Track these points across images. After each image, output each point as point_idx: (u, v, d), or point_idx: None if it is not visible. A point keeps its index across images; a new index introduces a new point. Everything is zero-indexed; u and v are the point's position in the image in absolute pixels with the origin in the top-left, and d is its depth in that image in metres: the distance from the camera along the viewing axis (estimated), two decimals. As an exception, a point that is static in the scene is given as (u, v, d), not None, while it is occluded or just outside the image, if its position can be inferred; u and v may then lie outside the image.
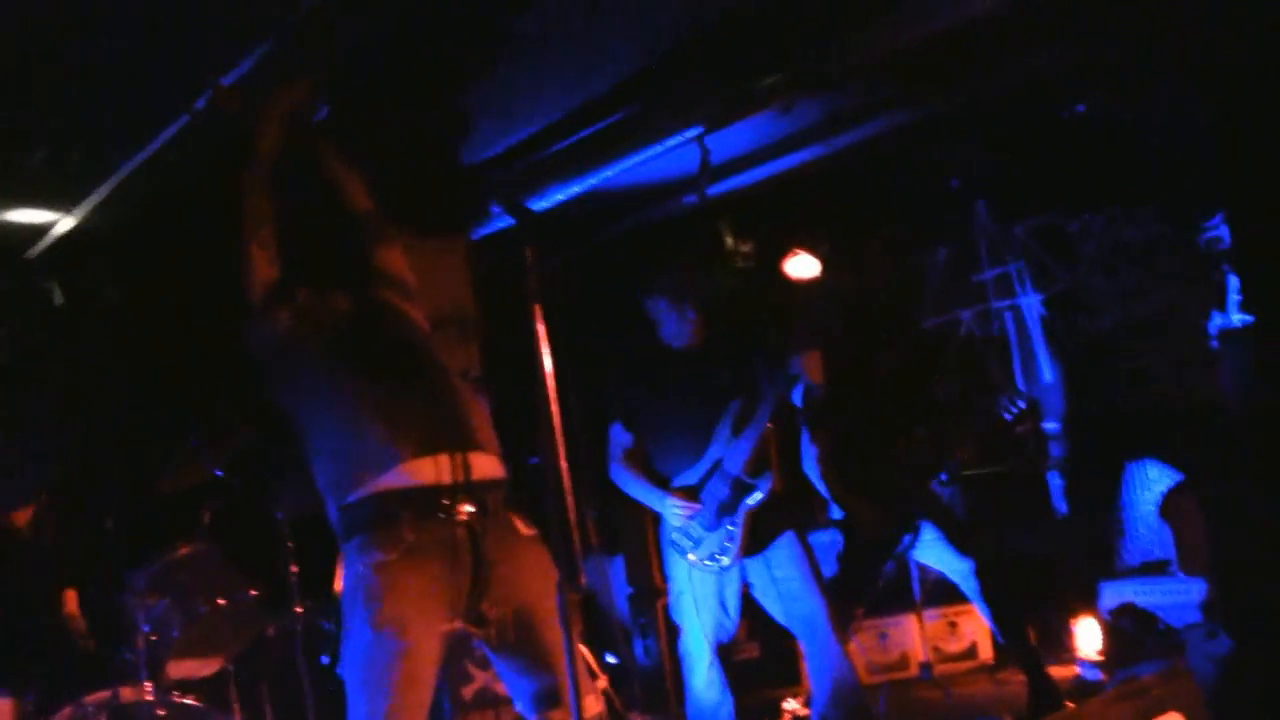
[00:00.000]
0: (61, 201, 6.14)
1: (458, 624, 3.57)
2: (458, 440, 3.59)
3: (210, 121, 5.02)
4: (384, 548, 3.44)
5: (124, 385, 6.92)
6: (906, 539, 6.25)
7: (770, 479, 5.35)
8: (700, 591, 5.43)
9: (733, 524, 5.32)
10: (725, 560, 5.34)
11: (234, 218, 3.79)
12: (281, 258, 3.77)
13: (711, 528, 5.35)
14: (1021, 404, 5.73)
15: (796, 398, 5.45)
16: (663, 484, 5.46)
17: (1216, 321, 7.00)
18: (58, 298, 6.99)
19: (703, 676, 5.47)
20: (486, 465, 3.65)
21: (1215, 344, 6.66)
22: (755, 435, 5.32)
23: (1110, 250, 7.31)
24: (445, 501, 3.51)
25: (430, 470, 3.52)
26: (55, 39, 4.48)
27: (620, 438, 5.57)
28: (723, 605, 5.43)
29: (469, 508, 3.54)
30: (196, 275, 6.49)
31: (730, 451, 5.34)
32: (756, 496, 5.31)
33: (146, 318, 7.00)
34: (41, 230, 6.50)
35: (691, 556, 5.41)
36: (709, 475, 5.38)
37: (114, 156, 5.67)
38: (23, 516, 5.66)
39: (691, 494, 5.39)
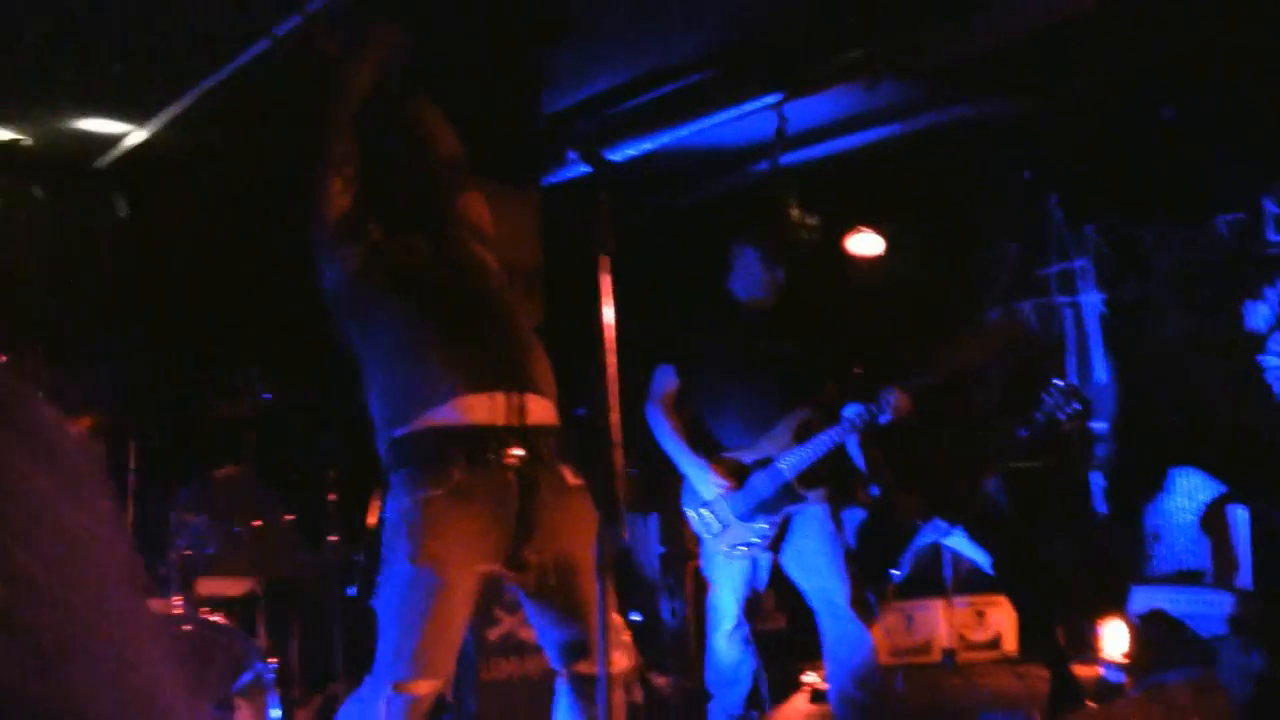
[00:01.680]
0: (135, 113, 6.09)
1: (496, 567, 3.52)
2: (516, 383, 3.52)
3: (294, 49, 4.95)
4: (432, 484, 3.38)
5: (182, 303, 6.89)
6: (942, 526, 6.16)
7: (824, 493, 5.22)
8: (724, 575, 5.35)
9: (768, 523, 5.21)
10: (751, 551, 5.24)
11: (313, 147, 3.73)
12: (359, 194, 3.71)
13: (745, 519, 5.23)
14: (1078, 405, 5.60)
15: (884, 418, 5.25)
16: (702, 448, 5.34)
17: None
18: (122, 209, 6.96)
19: (725, 634, 5.39)
20: (542, 410, 3.58)
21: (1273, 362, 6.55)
22: (822, 451, 5.18)
23: (1183, 265, 7.21)
24: (497, 444, 3.45)
25: (485, 408, 3.45)
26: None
27: (666, 379, 5.43)
28: (749, 585, 5.35)
29: (520, 452, 3.48)
30: (266, 201, 6.46)
31: (790, 455, 5.19)
32: (803, 507, 5.21)
33: (212, 239, 6.97)
34: (112, 141, 6.46)
35: (712, 539, 5.31)
36: (759, 465, 5.25)
37: (191, 73, 5.61)
38: (79, 426, 5.63)
39: (733, 471, 5.27)
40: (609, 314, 3.26)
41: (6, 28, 4.99)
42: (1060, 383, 5.62)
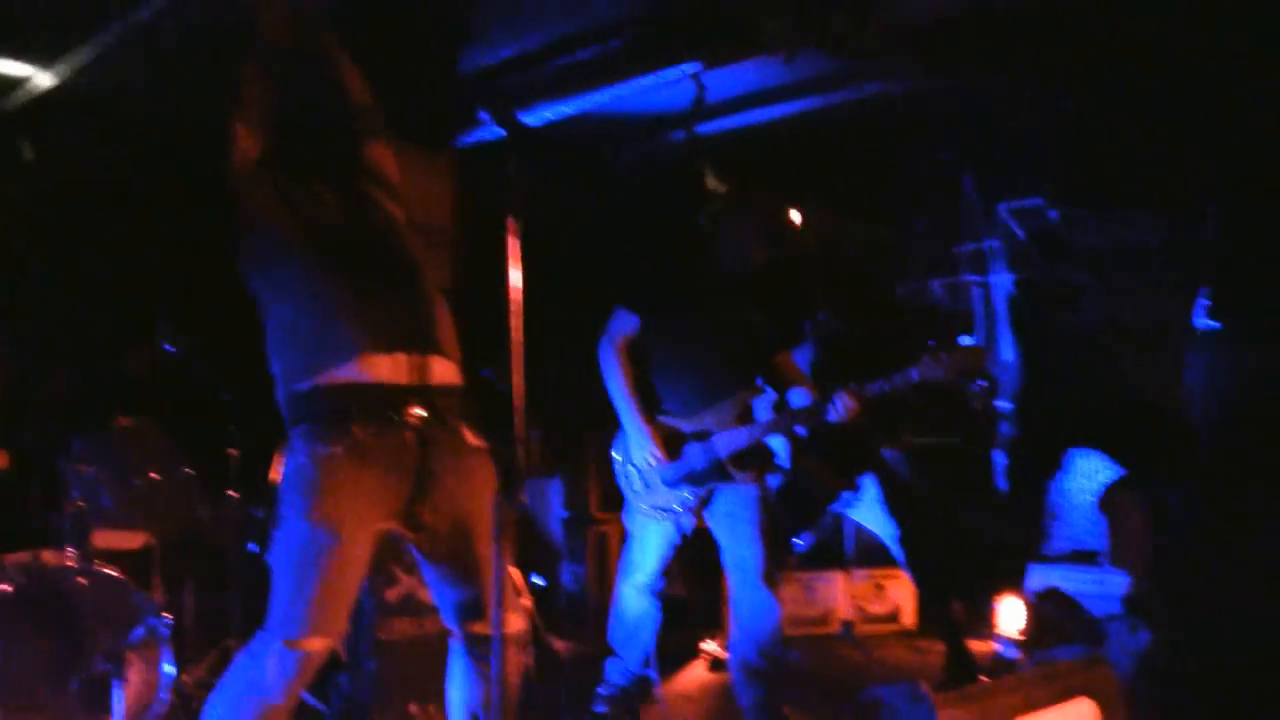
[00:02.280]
0: (40, 56, 5.95)
1: (393, 525, 3.51)
2: (420, 342, 3.50)
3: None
4: (330, 441, 3.35)
5: (88, 252, 6.76)
6: (846, 495, 6.21)
7: (752, 476, 5.24)
8: (644, 534, 5.36)
9: (693, 494, 5.22)
10: (669, 517, 5.25)
11: (220, 90, 3.66)
12: (267, 140, 3.64)
13: (671, 485, 5.23)
14: (984, 382, 5.67)
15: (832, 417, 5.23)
16: (645, 406, 5.33)
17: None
18: (27, 153, 6.81)
19: (636, 585, 5.39)
20: (445, 371, 3.56)
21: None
22: (756, 437, 5.19)
23: (1102, 249, 7.28)
24: (399, 403, 3.42)
25: (387, 367, 3.43)
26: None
27: (627, 323, 5.36)
28: (671, 545, 5.36)
29: (420, 412, 3.45)
30: (175, 149, 6.34)
31: (726, 435, 5.20)
32: (729, 485, 5.22)
33: (119, 187, 6.83)
34: (16, 83, 6.30)
35: (633, 496, 5.32)
36: (696, 437, 5.25)
37: (100, 15, 5.48)
38: None
39: (670, 440, 5.27)
40: (516, 277, 3.24)
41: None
42: (968, 340, 5.66)
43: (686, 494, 5.21)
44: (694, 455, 5.21)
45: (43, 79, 6.17)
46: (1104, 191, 7.17)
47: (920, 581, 6.08)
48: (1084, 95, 6.33)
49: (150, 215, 6.71)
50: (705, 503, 5.23)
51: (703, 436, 5.21)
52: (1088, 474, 7.13)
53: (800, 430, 5.31)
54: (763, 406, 5.31)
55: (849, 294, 6.77)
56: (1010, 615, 6.44)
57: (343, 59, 3.87)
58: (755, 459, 5.22)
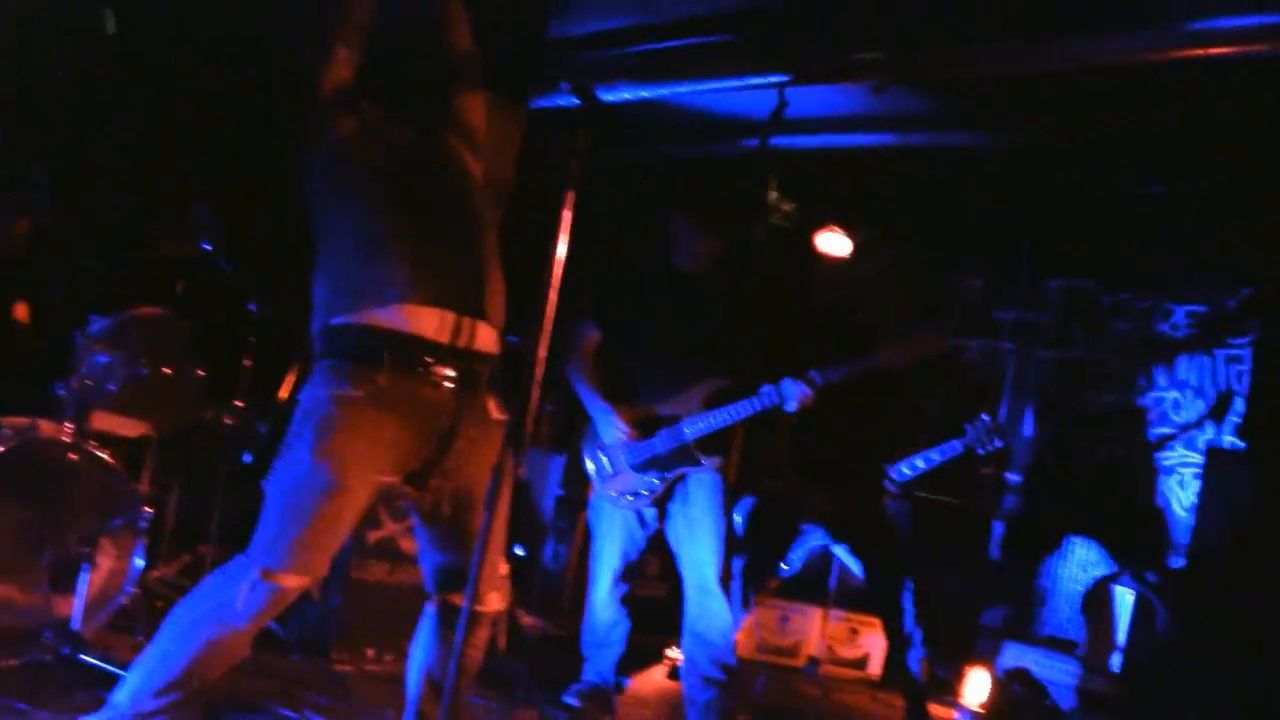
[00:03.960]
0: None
1: (397, 480, 3.48)
2: (470, 304, 3.46)
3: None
4: (354, 382, 3.31)
5: (149, 133, 6.76)
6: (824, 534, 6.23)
7: (718, 461, 5.27)
8: (609, 520, 5.38)
9: (659, 478, 5.25)
10: (635, 502, 5.27)
11: (325, 5, 3.63)
12: (361, 66, 3.61)
13: (637, 469, 5.27)
14: (999, 443, 5.67)
15: (789, 406, 5.29)
16: (615, 396, 5.35)
17: (1208, 435, 6.95)
18: (110, 25, 6.81)
19: (603, 593, 5.44)
20: (486, 338, 3.53)
21: (1203, 458, 6.60)
22: (726, 422, 5.22)
23: (1137, 337, 7.25)
24: (429, 359, 3.39)
25: (432, 322, 3.39)
26: None
27: (588, 334, 5.44)
28: (632, 539, 5.38)
29: (451, 373, 3.42)
30: (264, 47, 6.34)
31: (694, 419, 5.22)
32: (696, 470, 5.23)
33: (197, 72, 6.83)
34: (112, -43, 6.31)
35: (600, 483, 5.35)
36: (665, 422, 5.27)
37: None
38: (21, 225, 5.50)
39: (636, 421, 5.29)
40: (562, 250, 3.23)
41: None
42: (987, 418, 5.68)
43: (653, 478, 5.25)
44: (661, 439, 5.26)
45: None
46: (1152, 282, 7.13)
47: (891, 633, 6.05)
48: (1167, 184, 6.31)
49: (221, 107, 6.71)
50: (669, 491, 5.25)
51: (670, 421, 5.25)
52: (1082, 564, 7.10)
53: (755, 410, 5.32)
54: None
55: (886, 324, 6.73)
56: (977, 687, 6.42)
57: (454, 3, 3.85)
58: (721, 446, 5.25)
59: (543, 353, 3.16)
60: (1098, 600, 6.80)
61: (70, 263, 5.36)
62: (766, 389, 5.21)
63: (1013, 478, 7.66)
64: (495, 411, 3.60)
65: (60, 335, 5.13)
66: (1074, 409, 7.56)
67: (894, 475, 6.00)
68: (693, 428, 5.22)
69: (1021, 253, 7.58)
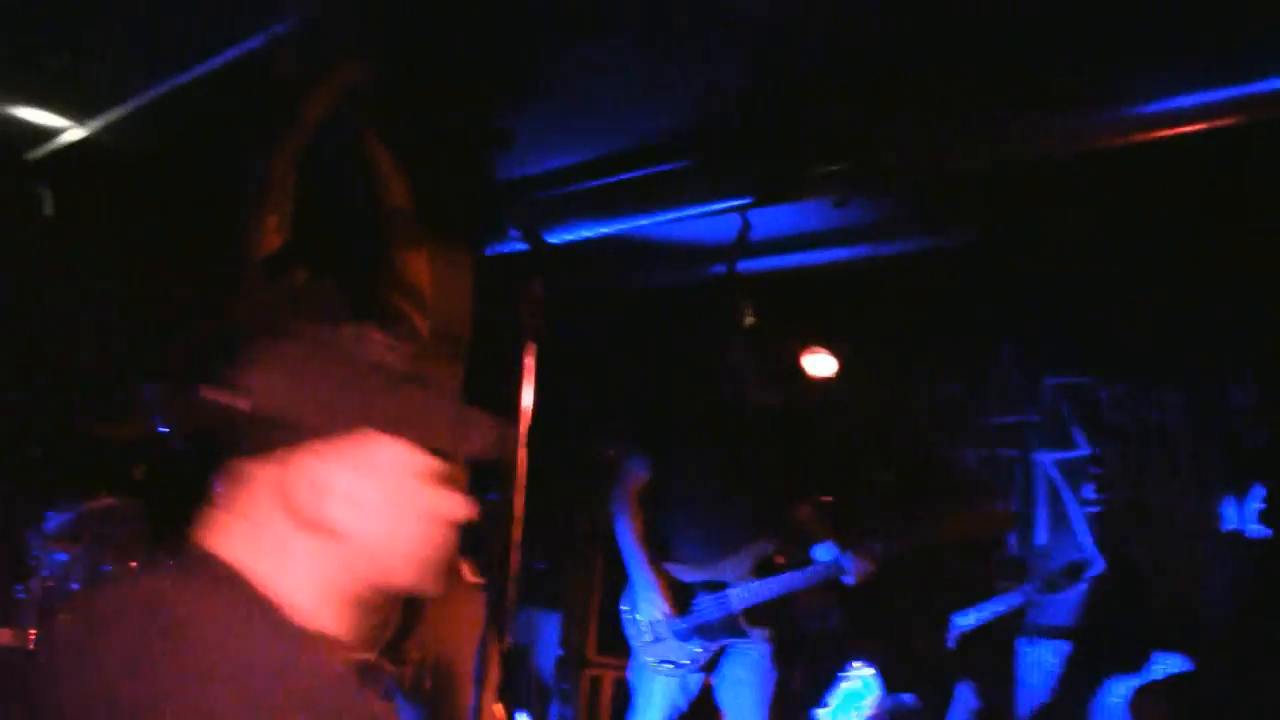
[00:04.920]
0: (75, 110, 6.08)
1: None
2: None
3: (251, 68, 4.95)
4: None
5: (90, 314, 6.83)
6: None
7: (767, 634, 5.22)
8: (650, 685, 5.32)
9: (703, 648, 5.20)
10: (677, 671, 5.21)
11: (252, 173, 3.71)
12: (290, 232, 3.69)
13: (681, 639, 5.22)
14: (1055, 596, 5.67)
15: (847, 579, 5.24)
16: (654, 554, 5.32)
17: (1228, 523, 6.91)
18: (48, 206, 6.92)
19: None
20: None
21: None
22: (777, 592, 5.18)
23: (1135, 428, 7.25)
24: None
25: None
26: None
27: (638, 471, 5.44)
28: (672, 703, 5.31)
29: None
30: (196, 221, 6.43)
31: (742, 587, 5.18)
32: (743, 642, 5.19)
33: (132, 251, 6.92)
34: (48, 134, 6.43)
35: (640, 649, 5.29)
36: (708, 588, 5.24)
37: (141, 77, 5.59)
38: None
39: (680, 592, 5.25)
40: (528, 400, 3.27)
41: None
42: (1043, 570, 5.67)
43: (697, 648, 5.18)
44: (706, 606, 5.19)
45: (74, 132, 6.29)
46: (1145, 370, 7.16)
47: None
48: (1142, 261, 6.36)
49: (163, 282, 6.78)
50: (715, 660, 5.20)
51: (715, 588, 5.19)
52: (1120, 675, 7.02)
53: (810, 582, 5.28)
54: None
55: (886, 450, 6.75)
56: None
57: (386, 158, 3.94)
58: (771, 616, 5.20)
59: (519, 510, 3.19)
60: (1141, 711, 6.72)
61: (14, 457, 5.38)
62: (824, 559, 5.16)
63: (1032, 592, 7.57)
64: (469, 575, 3.61)
65: (12, 535, 5.14)
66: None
67: (955, 626, 5.95)
68: (740, 598, 5.17)
69: (1004, 354, 7.60)
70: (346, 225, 3.86)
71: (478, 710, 3.18)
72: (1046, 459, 7.60)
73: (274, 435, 1.78)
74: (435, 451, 1.81)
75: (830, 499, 5.81)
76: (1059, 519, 7.44)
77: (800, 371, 5.50)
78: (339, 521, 1.77)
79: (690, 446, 5.40)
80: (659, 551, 5.35)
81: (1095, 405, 7.46)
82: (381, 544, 1.83)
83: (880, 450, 6.74)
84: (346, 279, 3.74)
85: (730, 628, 5.18)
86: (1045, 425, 7.60)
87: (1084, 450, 7.47)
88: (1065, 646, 7.13)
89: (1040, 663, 7.27)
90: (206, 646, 1.56)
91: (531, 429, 3.31)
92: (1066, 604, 7.19)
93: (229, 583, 1.71)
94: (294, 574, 1.76)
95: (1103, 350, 7.29)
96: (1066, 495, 7.39)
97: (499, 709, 5.27)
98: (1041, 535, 7.41)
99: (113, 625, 1.60)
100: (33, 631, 4.78)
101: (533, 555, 7.37)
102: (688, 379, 5.66)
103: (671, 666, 5.22)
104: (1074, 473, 7.46)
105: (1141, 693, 6.72)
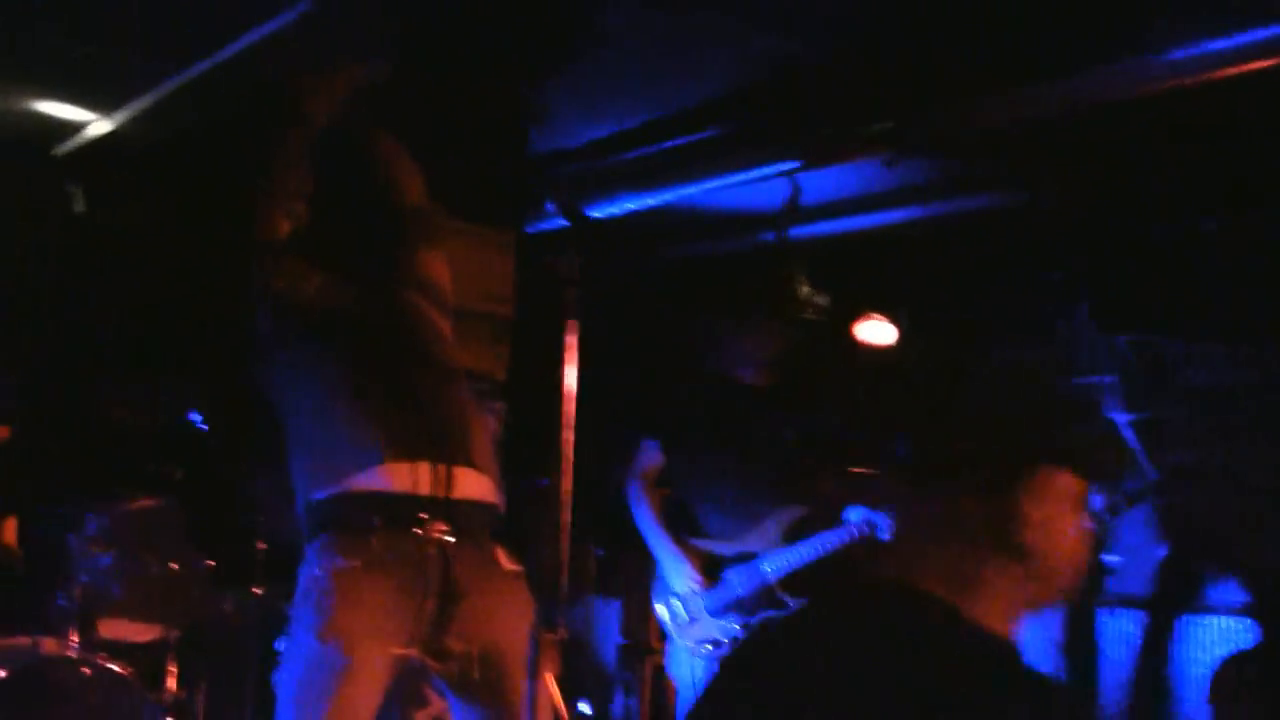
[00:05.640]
0: (100, 102, 6.10)
1: (414, 652, 3.47)
2: (446, 452, 3.49)
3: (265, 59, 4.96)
4: (347, 553, 3.35)
5: (125, 307, 6.87)
6: None
7: (805, 603, 5.15)
8: (691, 670, 5.29)
9: (741, 623, 5.16)
10: (717, 651, 5.18)
11: (263, 171, 3.72)
12: (302, 230, 3.70)
13: (716, 615, 5.18)
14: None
15: (883, 535, 5.19)
16: (681, 533, 5.30)
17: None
18: (79, 204, 6.96)
19: None
20: (473, 484, 3.55)
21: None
22: (811, 557, 5.13)
23: (1207, 387, 7.15)
24: (421, 515, 3.41)
25: (407, 477, 3.42)
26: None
27: (650, 455, 5.40)
28: None
29: (445, 526, 3.44)
30: (224, 211, 6.46)
31: (775, 555, 5.13)
32: (783, 613, 5.14)
33: (167, 243, 6.96)
34: (74, 128, 6.47)
35: (677, 633, 5.26)
36: (740, 560, 5.20)
37: (165, 66, 5.60)
38: None
39: (710, 564, 5.22)
40: (570, 381, 3.25)
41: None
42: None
43: (734, 624, 5.15)
44: (739, 580, 5.16)
45: (100, 125, 6.32)
46: (1222, 328, 7.06)
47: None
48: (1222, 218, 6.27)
49: (193, 277, 6.82)
50: None
51: (747, 559, 5.16)
52: (1203, 645, 6.93)
53: (843, 541, 5.21)
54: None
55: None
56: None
57: (396, 153, 3.94)
58: (810, 583, 5.15)
59: (568, 494, 3.17)
60: (1225, 681, 6.64)
61: (51, 460, 5.41)
62: (856, 517, 5.11)
63: (1111, 559, 7.51)
64: (506, 562, 3.60)
65: (52, 541, 5.17)
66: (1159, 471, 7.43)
67: None
68: (774, 566, 5.13)
69: (1078, 314, 7.51)
70: (361, 226, 3.86)
71: (533, 700, 3.17)
72: (1123, 419, 7.52)
73: (993, 475, 2.02)
74: (1093, 478, 2.05)
75: (863, 470, 5.75)
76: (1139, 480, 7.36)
77: (854, 340, 5.42)
78: (1032, 546, 2.00)
79: (706, 420, 5.36)
80: (686, 530, 5.32)
81: (1171, 364, 7.37)
82: (1059, 563, 2.05)
83: (940, 417, 6.65)
84: (359, 275, 3.74)
85: (767, 599, 5.13)
86: (1121, 385, 7.52)
87: (1159, 410, 7.38)
88: (1145, 616, 7.06)
89: (1122, 633, 7.20)
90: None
91: (582, 409, 3.29)
92: (1144, 572, 7.12)
93: (939, 606, 1.96)
94: (986, 595, 1.99)
95: (1178, 308, 7.19)
96: (1140, 456, 7.30)
97: (557, 698, 5.29)
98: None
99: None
100: (75, 637, 4.81)
101: (591, 542, 7.36)
102: (707, 351, 5.60)
103: (710, 646, 5.19)
104: (1149, 433, 7.38)
105: (1226, 664, 6.65)
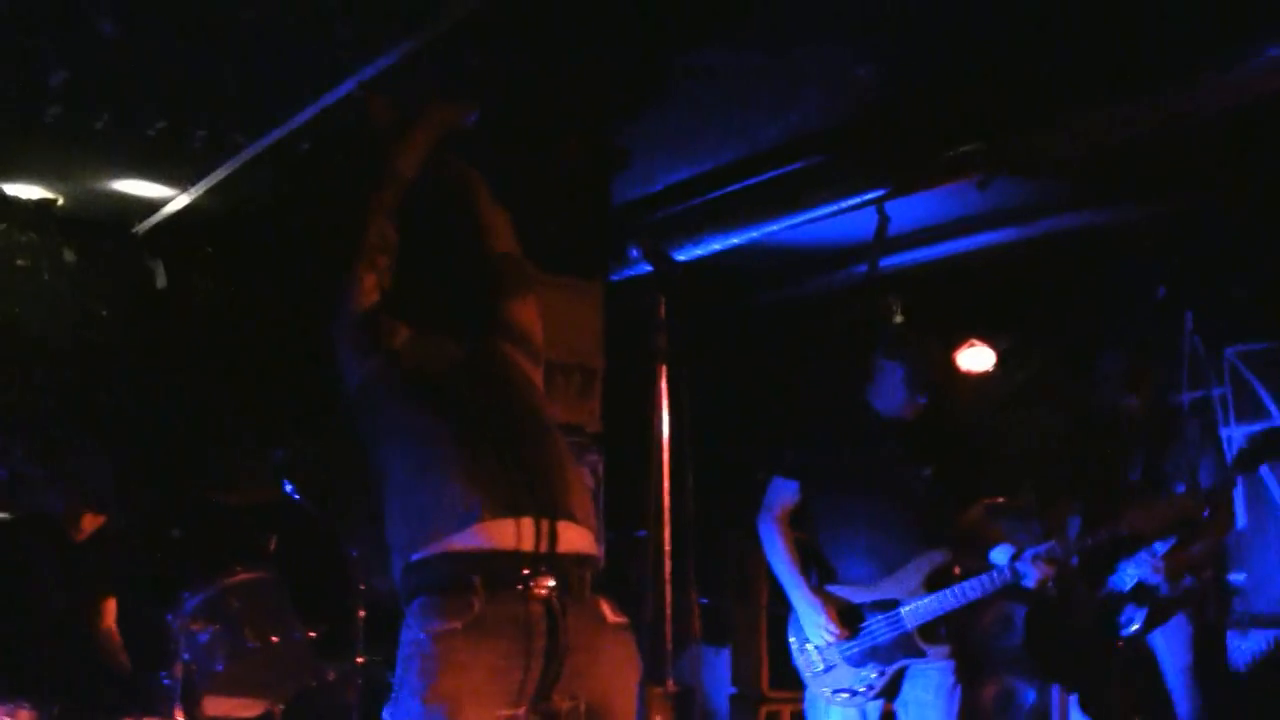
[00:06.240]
0: (177, 177, 6.19)
1: (520, 711, 3.44)
2: (547, 506, 3.45)
3: (346, 118, 5.00)
4: (448, 615, 3.31)
5: (214, 383, 6.94)
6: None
7: (947, 650, 5.08)
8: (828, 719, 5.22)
9: (878, 671, 5.08)
10: (853, 700, 5.11)
11: (351, 231, 3.73)
12: (391, 289, 3.70)
13: (854, 664, 5.10)
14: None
15: (1027, 583, 5.13)
16: (815, 578, 5.24)
17: None
18: (161, 280, 7.05)
19: None
20: (576, 538, 3.51)
21: None
22: (953, 605, 5.05)
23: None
24: (524, 572, 3.38)
25: (511, 533, 3.38)
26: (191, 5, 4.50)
27: (786, 493, 5.31)
28: None
29: (550, 582, 3.41)
30: (309, 276, 6.51)
31: (916, 602, 5.07)
32: (921, 662, 5.08)
33: (247, 313, 7.03)
34: (154, 206, 6.56)
35: (813, 681, 5.20)
36: (879, 607, 5.13)
37: (239, 135, 5.67)
38: (85, 522, 5.61)
39: (847, 613, 5.16)
40: (664, 428, 3.22)
41: (43, 83, 5.08)
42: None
43: (871, 673, 5.07)
44: (878, 627, 5.08)
45: (179, 200, 6.41)
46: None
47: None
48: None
49: (278, 343, 6.89)
50: (894, 684, 5.09)
51: (886, 606, 5.09)
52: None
53: (988, 591, 5.13)
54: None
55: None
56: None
57: (488, 202, 3.94)
58: (950, 632, 5.07)
59: (666, 544, 3.14)
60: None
61: (148, 542, 5.46)
62: (1000, 565, 5.03)
63: (1238, 579, 7.38)
64: (611, 615, 3.56)
65: (151, 621, 5.21)
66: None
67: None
68: (914, 614, 5.06)
69: (1182, 327, 7.42)
70: (451, 273, 3.86)
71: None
72: (1239, 432, 7.41)
73: None
74: None
75: (1002, 499, 5.66)
76: (1257, 498, 7.25)
77: (957, 369, 5.36)
78: None
79: (844, 460, 5.29)
80: (821, 574, 5.27)
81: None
82: None
83: (1058, 443, 6.57)
84: (453, 328, 3.74)
85: (906, 647, 5.05)
86: (1233, 397, 7.42)
87: (1277, 420, 7.27)
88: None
89: (1255, 653, 7.08)
90: None
91: (684, 456, 3.26)
92: (1272, 591, 7.00)
93: None
94: None
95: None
96: (1264, 471, 7.18)
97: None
98: (1241, 518, 7.22)
99: None
100: (180, 716, 4.83)
101: (696, 591, 7.32)
102: (835, 389, 5.55)
103: (847, 695, 5.11)
104: (1268, 446, 7.26)
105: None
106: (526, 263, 3.97)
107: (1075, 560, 5.11)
